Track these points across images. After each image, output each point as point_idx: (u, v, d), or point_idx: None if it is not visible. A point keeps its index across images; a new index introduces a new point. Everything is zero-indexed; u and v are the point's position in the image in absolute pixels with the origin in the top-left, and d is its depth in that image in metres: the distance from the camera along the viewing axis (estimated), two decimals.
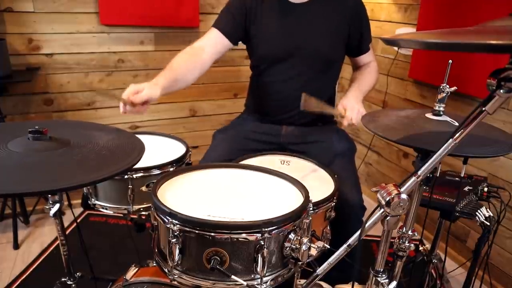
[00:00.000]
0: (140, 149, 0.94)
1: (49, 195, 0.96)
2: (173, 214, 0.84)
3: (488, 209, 1.25)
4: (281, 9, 1.45)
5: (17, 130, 0.93)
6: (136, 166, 1.13)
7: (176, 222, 0.83)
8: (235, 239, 0.81)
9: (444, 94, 1.01)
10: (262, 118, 1.59)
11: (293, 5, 1.45)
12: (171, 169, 1.20)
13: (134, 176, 1.15)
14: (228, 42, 1.45)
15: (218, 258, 0.82)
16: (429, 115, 1.05)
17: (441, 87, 1.01)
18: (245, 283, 0.84)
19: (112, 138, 0.99)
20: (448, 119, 1.02)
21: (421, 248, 1.41)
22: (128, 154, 0.91)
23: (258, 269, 0.84)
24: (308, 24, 1.44)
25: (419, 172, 0.78)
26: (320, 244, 0.98)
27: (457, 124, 0.98)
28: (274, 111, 1.55)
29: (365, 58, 1.56)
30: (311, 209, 0.93)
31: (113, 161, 0.87)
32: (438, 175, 0.94)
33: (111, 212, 1.23)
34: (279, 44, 1.46)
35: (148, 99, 1.13)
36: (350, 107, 1.31)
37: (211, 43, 1.44)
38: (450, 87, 1.00)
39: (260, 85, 1.58)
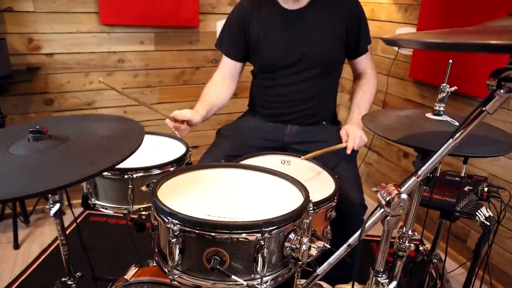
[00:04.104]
0: (139, 133, 0.93)
1: (49, 195, 0.96)
2: (173, 214, 0.84)
3: (488, 209, 1.25)
4: (279, 17, 1.46)
5: (18, 132, 0.93)
6: (136, 166, 1.15)
7: (176, 222, 0.83)
8: (235, 239, 0.81)
9: (444, 94, 1.01)
10: (265, 118, 1.60)
11: (289, 12, 1.45)
12: (171, 169, 1.20)
13: (134, 176, 1.15)
14: (240, 64, 1.57)
15: (218, 258, 0.82)
16: (429, 115, 1.05)
17: (441, 87, 1.01)
18: (245, 283, 0.84)
19: (111, 126, 0.98)
20: (448, 119, 1.02)
21: (421, 248, 1.41)
22: (129, 140, 0.91)
23: (258, 269, 0.84)
24: (306, 29, 1.44)
25: (419, 172, 0.78)
26: (320, 244, 0.98)
27: (457, 124, 0.98)
28: (278, 113, 1.55)
29: (362, 61, 1.55)
30: (311, 209, 0.93)
31: (115, 149, 0.86)
32: (438, 175, 0.94)
33: (111, 212, 1.23)
34: (280, 53, 1.47)
35: (188, 119, 1.34)
36: (352, 135, 1.38)
37: (228, 72, 1.56)
38: (450, 87, 1.00)
39: (262, 89, 1.58)
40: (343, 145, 1.37)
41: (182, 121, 1.34)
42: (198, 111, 1.40)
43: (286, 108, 1.53)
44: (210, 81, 1.55)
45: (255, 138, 1.54)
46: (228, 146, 1.48)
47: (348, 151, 1.35)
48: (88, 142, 0.91)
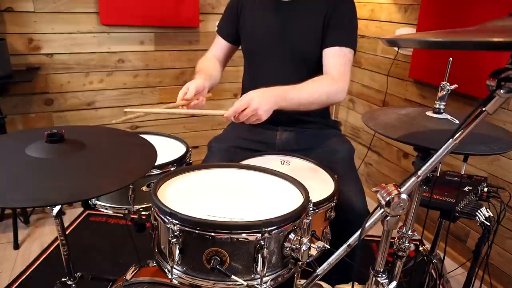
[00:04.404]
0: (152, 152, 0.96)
1: None
2: (173, 214, 0.84)
3: (488, 209, 1.25)
4: (271, 7, 1.46)
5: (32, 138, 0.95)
6: None
7: (176, 222, 0.83)
8: (235, 239, 0.81)
9: (444, 92, 1.01)
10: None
11: (282, 3, 1.43)
12: (171, 169, 1.20)
13: None
14: (232, 45, 1.57)
15: (218, 258, 0.82)
16: (429, 113, 1.05)
17: (441, 84, 1.01)
18: (245, 283, 0.84)
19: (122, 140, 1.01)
20: (449, 117, 1.02)
21: (421, 248, 1.41)
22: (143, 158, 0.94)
23: (258, 269, 0.84)
24: (290, 20, 1.43)
25: (419, 172, 0.78)
26: (320, 244, 0.98)
27: (457, 122, 0.98)
28: None
29: (328, 58, 1.37)
30: (311, 209, 0.93)
31: (127, 168, 0.89)
32: (438, 175, 0.94)
33: (112, 212, 1.23)
34: (258, 38, 1.47)
35: (196, 90, 1.24)
36: (243, 101, 1.09)
37: (219, 50, 1.57)
38: (450, 85, 1.00)
39: (248, 85, 1.58)
40: (220, 112, 1.11)
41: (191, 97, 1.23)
42: (199, 76, 1.34)
43: None
44: (203, 58, 1.55)
45: (246, 150, 1.48)
46: (221, 157, 1.43)
47: (224, 118, 1.12)
48: (103, 153, 0.94)
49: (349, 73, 1.38)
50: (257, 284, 0.85)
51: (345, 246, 0.91)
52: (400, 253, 1.02)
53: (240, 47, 1.60)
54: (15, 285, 1.79)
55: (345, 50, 1.36)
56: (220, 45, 1.58)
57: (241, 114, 1.09)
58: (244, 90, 1.64)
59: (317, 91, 1.28)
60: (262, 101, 1.10)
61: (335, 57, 1.37)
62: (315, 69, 1.45)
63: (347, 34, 1.39)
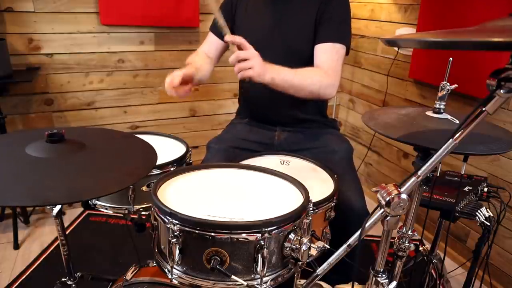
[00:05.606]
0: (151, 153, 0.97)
1: None
2: (173, 214, 0.84)
3: (488, 209, 1.25)
4: (263, 3, 1.46)
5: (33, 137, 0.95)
6: None
7: (176, 222, 0.83)
8: (235, 239, 0.81)
9: (444, 92, 1.01)
10: (251, 122, 1.57)
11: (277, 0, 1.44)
12: (171, 169, 1.20)
13: None
14: (221, 43, 1.54)
15: (218, 258, 0.82)
16: (429, 113, 1.05)
17: (441, 84, 1.01)
18: (245, 283, 0.84)
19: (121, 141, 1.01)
20: (449, 117, 1.02)
21: (421, 248, 1.41)
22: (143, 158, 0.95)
23: (258, 269, 0.84)
24: (285, 16, 1.42)
25: (419, 172, 0.78)
26: (320, 244, 0.98)
27: (457, 122, 0.98)
28: (261, 113, 1.53)
29: (319, 53, 1.37)
30: (311, 209, 0.93)
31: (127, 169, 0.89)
32: (438, 175, 0.94)
33: (112, 212, 1.23)
34: (254, 36, 1.43)
35: (184, 76, 1.25)
36: (246, 55, 1.13)
37: (211, 47, 1.56)
38: (450, 85, 1.00)
39: (244, 85, 1.57)
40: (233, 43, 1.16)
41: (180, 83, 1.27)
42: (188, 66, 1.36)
43: (266, 101, 1.47)
44: (194, 53, 1.54)
45: (245, 151, 1.47)
46: (220, 157, 1.43)
47: (232, 58, 1.14)
48: (103, 153, 0.94)
49: (340, 69, 1.38)
50: (257, 284, 0.85)
51: (345, 246, 0.91)
52: (400, 253, 1.02)
53: None
54: (15, 285, 1.79)
55: (337, 46, 1.36)
56: (212, 43, 1.56)
57: (240, 63, 1.13)
58: (241, 90, 1.64)
59: (311, 78, 1.29)
60: (260, 63, 1.16)
61: (327, 53, 1.36)
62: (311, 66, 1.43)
63: (339, 30, 1.38)
